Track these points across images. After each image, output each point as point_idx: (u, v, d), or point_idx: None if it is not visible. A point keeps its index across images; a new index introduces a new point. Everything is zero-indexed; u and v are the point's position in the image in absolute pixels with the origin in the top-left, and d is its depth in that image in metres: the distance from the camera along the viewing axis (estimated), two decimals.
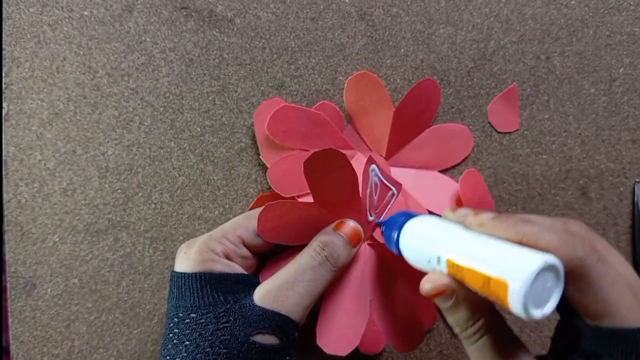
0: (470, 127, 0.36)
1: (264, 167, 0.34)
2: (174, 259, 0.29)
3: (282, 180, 0.33)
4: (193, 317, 0.25)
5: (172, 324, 0.25)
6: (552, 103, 0.36)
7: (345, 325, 0.32)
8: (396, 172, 0.35)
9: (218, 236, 0.28)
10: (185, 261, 0.27)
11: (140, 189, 0.34)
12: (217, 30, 0.34)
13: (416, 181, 0.35)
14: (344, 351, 0.31)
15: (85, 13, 0.33)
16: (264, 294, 0.26)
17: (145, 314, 0.34)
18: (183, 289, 0.26)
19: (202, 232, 0.34)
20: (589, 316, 0.20)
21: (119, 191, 0.34)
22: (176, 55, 0.34)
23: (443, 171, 0.36)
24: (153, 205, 0.34)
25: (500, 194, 0.36)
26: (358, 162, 0.34)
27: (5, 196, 0.33)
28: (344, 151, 0.35)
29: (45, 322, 0.33)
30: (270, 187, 0.33)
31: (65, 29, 0.33)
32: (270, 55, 0.34)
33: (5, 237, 0.33)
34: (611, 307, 0.19)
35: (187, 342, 0.24)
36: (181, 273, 0.27)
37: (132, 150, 0.34)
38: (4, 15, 0.33)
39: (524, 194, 0.36)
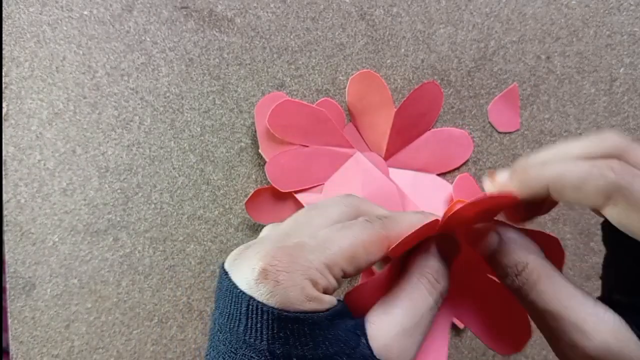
0: (471, 127, 0.36)
1: (264, 167, 0.34)
2: (174, 259, 0.29)
3: (281, 175, 0.33)
4: None
5: None
6: (552, 103, 0.36)
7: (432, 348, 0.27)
8: (394, 173, 0.35)
9: (322, 267, 0.20)
10: (279, 292, 0.19)
11: (140, 189, 0.34)
12: (217, 30, 0.34)
13: (414, 183, 0.35)
14: None
15: (85, 13, 0.33)
16: (384, 344, 0.20)
17: (145, 314, 0.34)
18: (286, 331, 0.19)
19: (202, 232, 0.34)
20: (635, 237, 0.18)
21: (119, 191, 0.34)
22: (176, 55, 0.34)
23: (442, 174, 0.36)
24: (153, 205, 0.34)
25: None
26: (357, 161, 0.34)
27: (4, 196, 0.33)
28: (343, 150, 0.35)
29: (44, 323, 0.33)
30: (269, 182, 0.33)
31: (65, 28, 0.33)
32: (271, 55, 0.34)
33: (5, 237, 0.33)
34: None
35: None
36: (281, 311, 0.19)
37: (132, 150, 0.34)
38: (3, 15, 0.33)
39: None
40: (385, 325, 0.21)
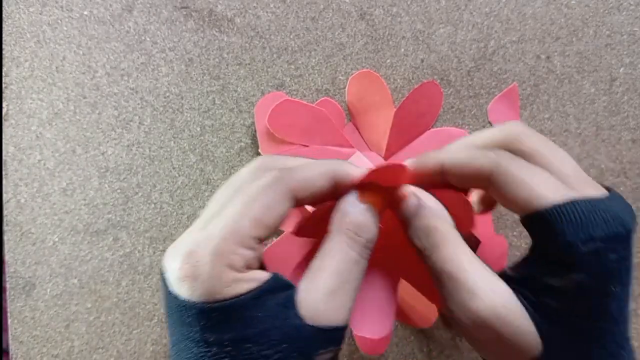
0: (471, 127, 0.36)
1: None
2: None
3: None
4: (243, 349, 0.20)
5: (214, 358, 0.20)
6: (552, 103, 0.36)
7: (377, 303, 0.27)
8: None
9: (233, 246, 0.20)
10: (198, 287, 0.19)
11: (140, 188, 0.34)
12: (217, 29, 0.34)
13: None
14: (380, 333, 0.27)
15: (85, 13, 0.33)
16: (313, 310, 0.21)
17: (145, 314, 0.34)
18: (213, 320, 0.20)
19: None
20: (521, 210, 0.20)
21: (119, 191, 0.34)
22: (176, 55, 0.34)
23: None
24: (153, 205, 0.34)
25: None
26: (357, 160, 0.34)
27: (4, 196, 0.33)
28: (343, 149, 0.35)
29: (44, 323, 0.33)
30: None
31: (65, 28, 0.33)
32: (270, 54, 0.34)
33: (5, 237, 0.33)
34: (533, 192, 0.20)
35: None
36: (204, 304, 0.20)
37: (131, 150, 0.34)
38: (3, 15, 0.33)
39: None
40: (312, 290, 0.21)
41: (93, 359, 0.34)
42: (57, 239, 0.33)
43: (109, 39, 0.34)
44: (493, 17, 0.35)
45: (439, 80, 0.35)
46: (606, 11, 0.36)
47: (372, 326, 0.27)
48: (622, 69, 0.36)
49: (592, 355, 0.19)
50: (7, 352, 0.33)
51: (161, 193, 0.34)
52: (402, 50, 0.35)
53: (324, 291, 0.21)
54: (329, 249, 0.22)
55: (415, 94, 0.34)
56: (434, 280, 0.22)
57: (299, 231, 0.24)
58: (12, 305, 0.33)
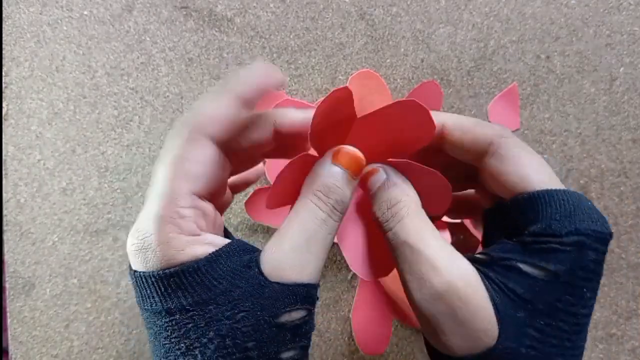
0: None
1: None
2: None
3: None
4: (205, 312, 0.20)
5: (178, 327, 0.19)
6: (552, 102, 0.36)
7: (370, 249, 0.28)
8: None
9: (172, 208, 0.19)
10: (150, 257, 0.19)
11: (140, 188, 0.34)
12: (216, 29, 0.34)
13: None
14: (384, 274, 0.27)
15: (85, 12, 0.33)
16: (277, 267, 0.20)
17: None
18: (172, 286, 0.20)
19: None
20: (511, 188, 0.20)
21: (119, 191, 0.34)
22: (176, 55, 0.34)
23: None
24: None
25: None
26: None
27: (4, 196, 0.33)
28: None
29: (44, 322, 0.33)
30: (268, 182, 0.33)
31: (65, 28, 0.33)
32: (270, 54, 0.34)
33: (5, 237, 0.33)
34: (528, 172, 0.20)
35: (205, 342, 0.19)
36: (159, 272, 0.19)
37: (131, 149, 0.34)
38: (3, 15, 0.33)
39: None
40: (277, 249, 0.21)
41: (92, 359, 0.33)
42: (56, 239, 0.33)
43: (109, 38, 0.34)
44: (493, 17, 0.35)
45: (439, 80, 0.35)
46: (606, 11, 0.36)
47: (375, 270, 0.27)
48: (622, 68, 0.36)
49: (545, 352, 0.18)
50: (6, 352, 0.33)
51: None
52: (402, 50, 0.35)
53: (288, 248, 0.20)
54: (296, 209, 0.22)
55: (414, 93, 0.34)
56: (393, 253, 0.21)
57: (270, 202, 0.23)
58: (12, 305, 0.33)
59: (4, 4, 0.33)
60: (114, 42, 0.34)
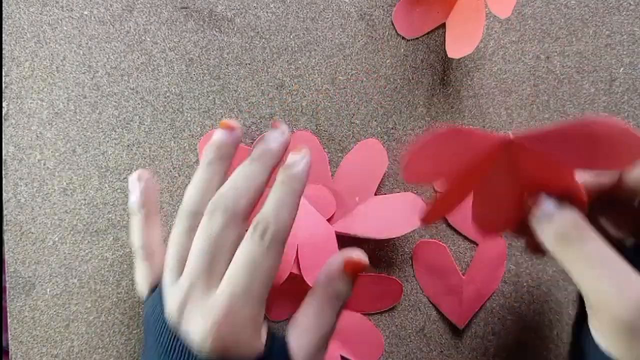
0: (471, 126, 0.36)
1: None
2: None
3: None
4: None
5: None
6: (552, 103, 0.36)
7: None
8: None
9: (257, 309, 0.24)
10: (235, 352, 0.23)
11: None
12: (217, 30, 0.34)
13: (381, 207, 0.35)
14: None
15: (85, 12, 0.34)
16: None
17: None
18: None
19: None
20: None
21: (119, 191, 0.34)
22: (176, 55, 0.34)
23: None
24: None
25: None
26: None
27: (4, 196, 0.33)
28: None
29: (44, 322, 0.33)
30: None
31: (65, 28, 0.33)
32: (270, 55, 0.34)
33: (5, 237, 0.33)
34: None
35: None
36: None
37: (132, 149, 0.34)
38: (4, 15, 0.33)
39: None
40: (303, 341, 0.25)
41: (93, 359, 0.33)
42: (57, 239, 0.33)
43: (109, 38, 0.34)
44: (493, 17, 0.35)
45: (439, 81, 0.35)
46: (606, 11, 0.36)
47: None
48: (622, 69, 0.36)
49: None
50: (7, 352, 0.33)
51: (161, 193, 0.34)
52: (402, 50, 0.35)
53: (313, 343, 0.25)
54: (315, 312, 0.26)
55: (350, 157, 0.34)
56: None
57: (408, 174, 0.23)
58: (12, 305, 0.33)
59: (4, 4, 0.33)
60: (114, 42, 0.34)
